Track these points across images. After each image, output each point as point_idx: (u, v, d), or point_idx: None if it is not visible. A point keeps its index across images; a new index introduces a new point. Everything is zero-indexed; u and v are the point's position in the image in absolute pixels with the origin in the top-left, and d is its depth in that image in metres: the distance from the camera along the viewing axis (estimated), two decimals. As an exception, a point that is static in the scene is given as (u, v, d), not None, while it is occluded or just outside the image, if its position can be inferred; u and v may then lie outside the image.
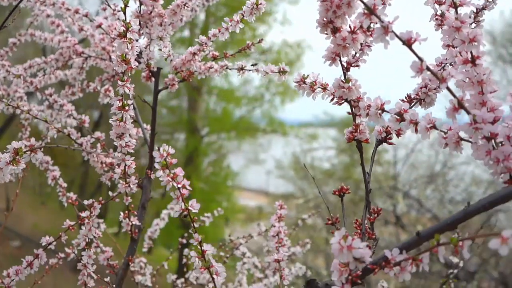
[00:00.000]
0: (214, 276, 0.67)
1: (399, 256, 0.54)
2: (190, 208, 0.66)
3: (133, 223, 1.00)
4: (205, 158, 11.74)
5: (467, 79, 0.57)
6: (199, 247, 0.68)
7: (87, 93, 1.32)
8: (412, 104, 0.73)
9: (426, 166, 7.37)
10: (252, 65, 0.97)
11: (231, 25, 0.92)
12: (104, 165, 1.05)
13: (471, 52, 0.56)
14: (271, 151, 11.93)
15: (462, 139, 0.57)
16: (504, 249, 0.42)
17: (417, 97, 0.73)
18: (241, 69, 0.97)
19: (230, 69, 0.99)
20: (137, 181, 0.94)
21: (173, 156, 0.65)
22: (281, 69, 0.88)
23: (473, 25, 0.75)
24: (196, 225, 0.68)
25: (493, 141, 0.55)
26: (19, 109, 0.96)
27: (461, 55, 0.58)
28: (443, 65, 0.71)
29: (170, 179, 0.64)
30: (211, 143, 12.01)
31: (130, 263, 1.03)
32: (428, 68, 0.53)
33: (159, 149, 0.64)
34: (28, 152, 0.68)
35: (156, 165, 0.64)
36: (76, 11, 1.11)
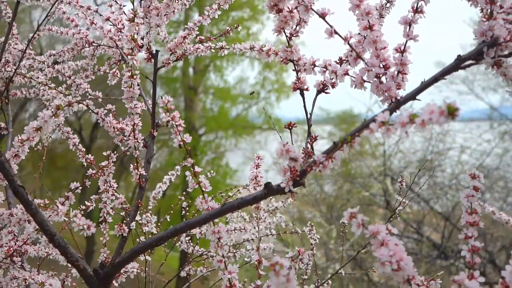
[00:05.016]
0: (203, 189, 0.94)
1: (322, 158, 0.81)
2: (185, 139, 0.93)
3: (141, 173, 1.27)
4: (204, 156, 12.00)
5: (366, 40, 0.84)
6: (192, 169, 0.95)
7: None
8: (342, 64, 1.00)
9: (418, 154, 7.68)
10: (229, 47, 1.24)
11: (211, 12, 1.21)
12: (115, 130, 1.32)
13: (368, 21, 0.83)
14: (268, 148, 12.17)
15: (364, 80, 0.85)
16: (375, 135, 0.69)
17: (346, 59, 0.99)
18: (221, 48, 1.25)
19: (213, 49, 1.27)
20: (143, 138, 1.22)
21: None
22: (251, 46, 1.15)
23: (388, 4, 1.03)
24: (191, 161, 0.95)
25: (383, 78, 0.82)
26: (29, 78, 1.22)
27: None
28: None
29: (170, 119, 0.91)
30: (208, 141, 12.28)
31: (139, 205, 1.30)
32: (335, 32, 0.80)
33: (162, 97, 0.91)
34: (67, 107, 0.95)
35: (160, 110, 0.91)
36: (88, 8, 1.38)
